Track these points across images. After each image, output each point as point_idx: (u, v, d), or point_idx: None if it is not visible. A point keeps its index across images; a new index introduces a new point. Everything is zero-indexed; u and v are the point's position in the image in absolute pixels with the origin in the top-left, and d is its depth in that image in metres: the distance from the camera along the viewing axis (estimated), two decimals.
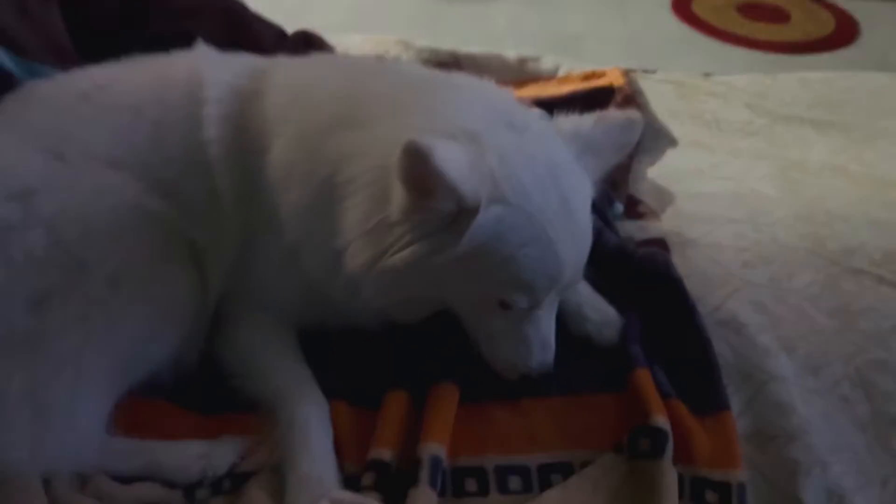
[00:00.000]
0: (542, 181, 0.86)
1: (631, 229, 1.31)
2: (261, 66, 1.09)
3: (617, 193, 1.35)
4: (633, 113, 0.98)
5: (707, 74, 1.88)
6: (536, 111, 1.13)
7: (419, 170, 0.77)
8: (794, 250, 1.25)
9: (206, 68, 1.06)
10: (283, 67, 1.07)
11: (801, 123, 1.63)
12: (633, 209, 1.36)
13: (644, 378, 0.97)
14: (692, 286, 1.12)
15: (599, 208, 1.26)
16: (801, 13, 3.56)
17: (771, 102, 1.71)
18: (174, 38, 1.17)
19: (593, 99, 1.63)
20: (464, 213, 0.81)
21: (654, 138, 1.59)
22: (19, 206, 0.90)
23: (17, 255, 0.87)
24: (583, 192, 0.91)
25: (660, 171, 1.47)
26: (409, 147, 0.75)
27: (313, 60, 1.09)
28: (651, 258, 1.12)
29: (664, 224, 1.33)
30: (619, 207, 1.33)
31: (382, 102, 0.92)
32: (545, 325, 0.93)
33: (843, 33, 3.40)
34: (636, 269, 1.12)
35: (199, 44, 1.12)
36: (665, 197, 1.40)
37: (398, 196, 0.81)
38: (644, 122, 1.52)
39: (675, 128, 1.61)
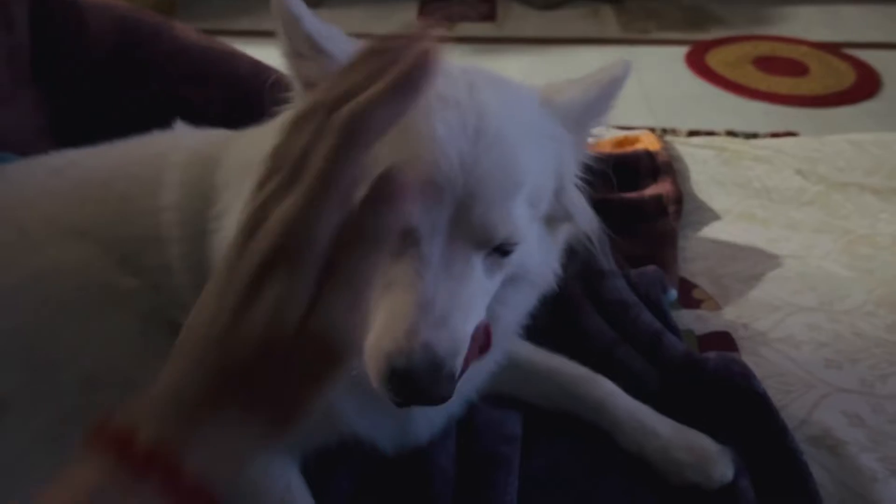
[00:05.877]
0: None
1: (688, 319, 1.14)
2: (228, 135, 0.99)
3: (669, 277, 1.18)
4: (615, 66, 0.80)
5: (749, 136, 1.73)
6: None
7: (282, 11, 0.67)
8: (882, 344, 1.08)
9: (177, 138, 0.99)
10: (246, 135, 0.96)
11: (860, 191, 1.46)
12: (688, 295, 1.19)
13: None
14: (771, 393, 0.95)
15: (654, 298, 1.10)
16: (819, 66, 3.45)
17: (823, 167, 1.53)
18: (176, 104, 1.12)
19: (624, 160, 1.48)
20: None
21: (697, 210, 1.44)
22: None
23: None
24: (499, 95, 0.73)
25: (712, 249, 1.31)
26: None
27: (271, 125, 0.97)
28: (726, 368, 0.94)
29: (725, 313, 1.15)
30: (674, 294, 1.16)
31: None
32: (430, 276, 0.61)
33: (865, 85, 3.28)
34: (710, 382, 0.94)
35: (178, 123, 1.03)
36: (722, 278, 1.23)
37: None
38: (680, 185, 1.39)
39: (721, 198, 1.46)
